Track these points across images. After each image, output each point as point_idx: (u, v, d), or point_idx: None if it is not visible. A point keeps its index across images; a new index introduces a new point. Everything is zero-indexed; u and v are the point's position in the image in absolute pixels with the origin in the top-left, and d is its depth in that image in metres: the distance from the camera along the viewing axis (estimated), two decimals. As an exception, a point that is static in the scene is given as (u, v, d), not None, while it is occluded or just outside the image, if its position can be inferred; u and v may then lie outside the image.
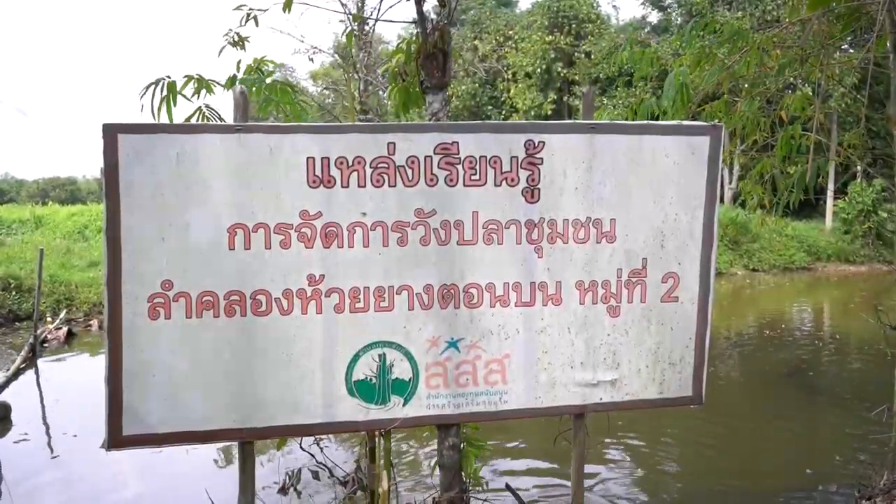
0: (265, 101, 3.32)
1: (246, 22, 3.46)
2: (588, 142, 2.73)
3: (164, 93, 3.02)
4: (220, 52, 3.60)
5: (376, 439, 3.06)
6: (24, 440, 6.12)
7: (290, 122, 3.21)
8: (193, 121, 3.16)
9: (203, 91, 3.19)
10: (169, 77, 3.07)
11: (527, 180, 2.70)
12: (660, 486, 4.99)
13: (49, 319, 11.35)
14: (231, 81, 3.24)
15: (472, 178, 2.66)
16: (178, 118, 3.09)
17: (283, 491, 3.23)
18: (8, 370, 8.40)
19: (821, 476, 5.09)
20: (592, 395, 2.88)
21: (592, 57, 27.75)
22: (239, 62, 3.39)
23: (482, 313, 2.74)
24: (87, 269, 13.63)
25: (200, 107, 3.19)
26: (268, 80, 3.36)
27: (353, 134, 2.60)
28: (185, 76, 3.15)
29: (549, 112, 27.79)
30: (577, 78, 28.14)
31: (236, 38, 3.60)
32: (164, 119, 3.02)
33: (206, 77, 3.21)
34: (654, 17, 33.40)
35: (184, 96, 3.11)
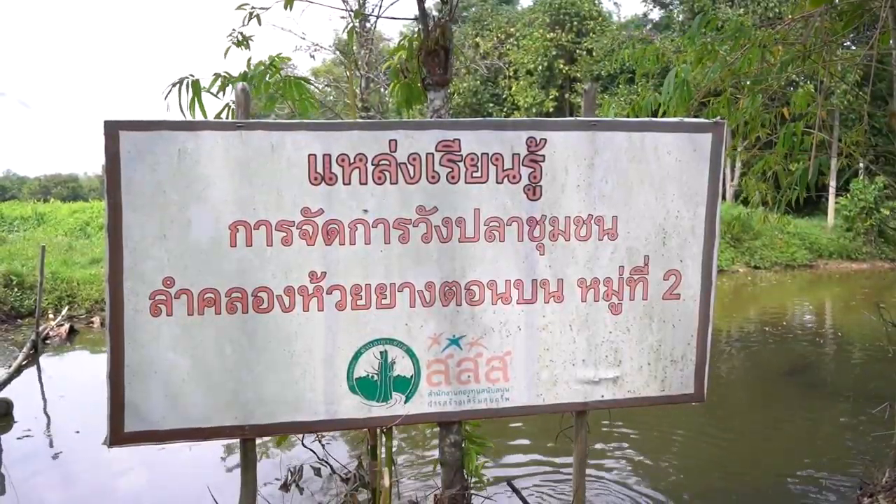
0: (269, 98, 3.32)
1: (249, 21, 3.47)
2: (590, 139, 2.73)
3: (190, 91, 3.04)
4: (227, 52, 3.61)
5: (378, 436, 3.07)
6: (27, 437, 6.14)
7: (295, 118, 3.22)
8: (223, 117, 3.18)
9: (229, 87, 3.21)
10: (192, 76, 3.09)
11: (528, 177, 2.70)
12: (661, 482, 4.99)
13: (51, 316, 11.38)
14: (242, 77, 3.25)
15: (474, 175, 2.66)
16: (205, 114, 3.14)
17: (284, 487, 3.23)
18: (10, 367, 8.42)
19: (822, 473, 5.08)
20: (594, 392, 2.87)
21: (594, 54, 27.72)
22: (249, 59, 3.41)
23: (484, 311, 2.74)
24: (88, 267, 13.64)
25: (228, 103, 3.22)
26: (278, 76, 3.36)
27: (355, 131, 2.59)
28: (215, 74, 3.19)
29: (551, 109, 27.78)
30: (578, 75, 28.12)
31: (240, 38, 3.60)
32: (199, 116, 3.06)
33: (232, 75, 3.24)
34: (655, 14, 33.35)
35: (210, 93, 3.13)
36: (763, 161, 4.95)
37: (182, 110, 3.03)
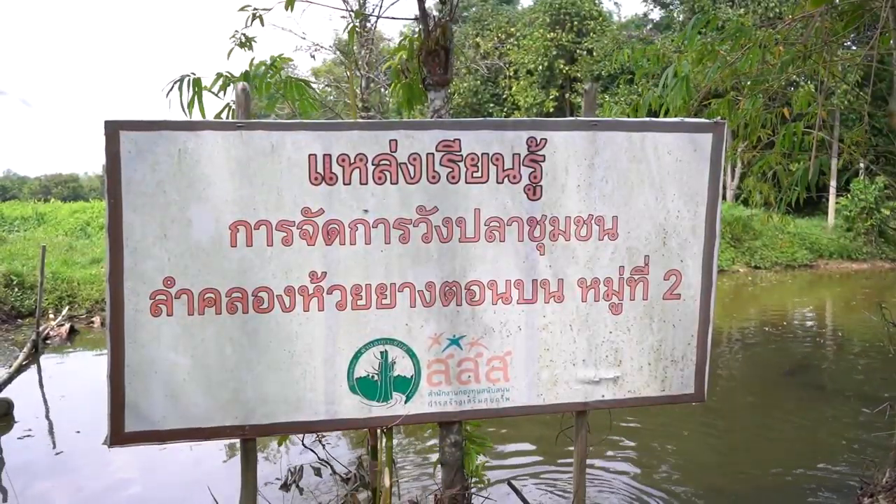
0: (270, 98, 3.33)
1: (251, 22, 3.47)
2: (590, 139, 2.73)
3: (190, 90, 3.04)
4: (230, 54, 3.61)
5: (378, 437, 3.07)
6: (28, 436, 6.14)
7: (297, 118, 3.22)
8: (223, 117, 3.18)
9: (230, 87, 3.21)
10: (193, 74, 3.09)
11: (529, 177, 2.70)
12: (661, 482, 4.99)
13: (51, 316, 11.38)
14: (244, 77, 3.25)
15: (474, 175, 2.66)
16: (204, 114, 3.14)
17: (284, 487, 3.23)
18: (10, 367, 8.43)
19: (823, 473, 5.08)
20: (594, 392, 2.87)
21: (594, 54, 27.71)
22: (252, 60, 3.41)
23: (484, 310, 2.74)
24: (89, 266, 13.65)
25: (228, 103, 3.21)
26: (278, 77, 3.36)
27: (355, 131, 2.59)
28: (217, 73, 3.20)
29: (551, 109, 27.77)
30: (578, 75, 28.11)
31: (243, 39, 3.60)
32: (196, 114, 3.06)
33: (234, 74, 3.24)
34: (655, 14, 33.34)
35: (211, 92, 3.13)
36: (763, 160, 4.95)
37: (183, 108, 3.03)
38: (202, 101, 3.10)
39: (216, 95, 3.17)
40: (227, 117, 3.22)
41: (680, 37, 4.47)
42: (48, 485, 5.06)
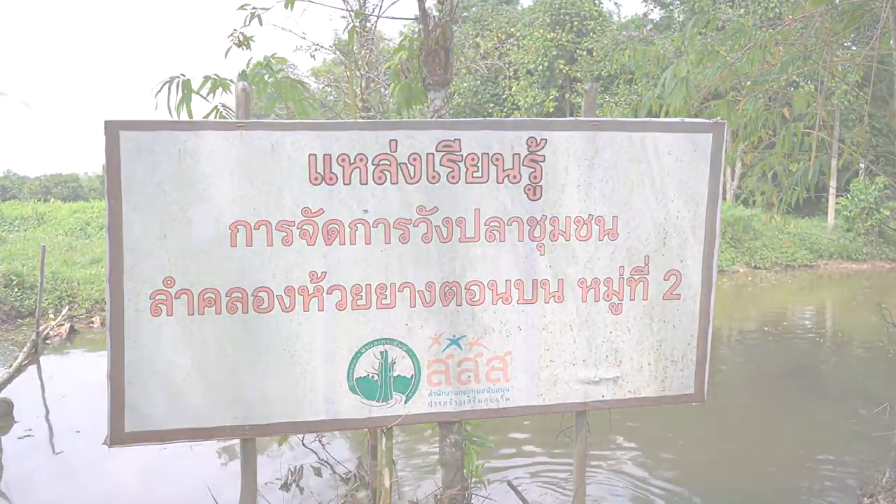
0: (269, 98, 3.32)
1: (250, 21, 3.46)
2: (590, 139, 2.73)
3: (180, 91, 3.03)
4: (227, 53, 3.60)
5: (378, 436, 3.07)
6: (28, 436, 6.14)
7: (294, 118, 3.21)
8: (211, 119, 3.17)
9: (219, 90, 3.20)
10: (183, 75, 3.08)
11: (529, 177, 2.70)
12: (661, 482, 4.99)
13: (51, 316, 11.38)
14: (241, 77, 3.25)
15: (474, 175, 2.66)
16: (191, 115, 3.11)
17: (284, 487, 3.23)
18: (10, 367, 8.43)
19: (823, 474, 5.09)
20: (594, 392, 2.87)
21: (594, 54, 27.71)
22: (249, 61, 3.40)
23: (484, 310, 2.74)
24: (88, 266, 13.64)
25: (217, 106, 3.20)
26: (275, 77, 3.35)
27: (355, 131, 2.60)
28: (205, 76, 3.17)
29: (551, 109, 27.75)
30: (578, 75, 28.10)
31: (241, 39, 3.60)
32: (185, 117, 3.04)
33: (222, 76, 3.22)
34: (655, 14, 33.31)
35: (200, 95, 3.12)
36: (764, 161, 4.95)
37: (170, 110, 3.01)
38: (190, 103, 3.08)
39: (205, 98, 3.15)
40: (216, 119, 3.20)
41: (679, 37, 4.46)
42: (48, 485, 5.06)
